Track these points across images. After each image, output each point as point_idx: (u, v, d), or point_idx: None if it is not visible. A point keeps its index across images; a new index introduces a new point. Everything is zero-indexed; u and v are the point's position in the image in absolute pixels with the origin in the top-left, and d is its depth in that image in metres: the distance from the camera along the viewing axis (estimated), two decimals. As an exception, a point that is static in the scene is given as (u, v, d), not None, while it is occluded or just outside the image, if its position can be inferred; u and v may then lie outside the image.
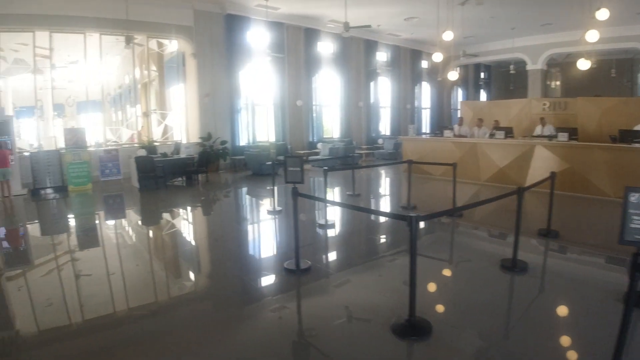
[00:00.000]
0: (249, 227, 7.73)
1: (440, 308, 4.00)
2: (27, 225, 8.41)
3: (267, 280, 4.98)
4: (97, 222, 8.42)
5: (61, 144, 12.95)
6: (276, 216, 7.88)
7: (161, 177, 10.94)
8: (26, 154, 12.11)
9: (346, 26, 12.87)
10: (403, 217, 3.47)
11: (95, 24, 13.27)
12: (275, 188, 8.87)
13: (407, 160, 8.43)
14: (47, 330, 3.76)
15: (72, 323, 3.91)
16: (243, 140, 15.29)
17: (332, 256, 5.90)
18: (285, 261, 5.15)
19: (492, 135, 11.28)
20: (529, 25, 18.05)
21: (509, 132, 11.21)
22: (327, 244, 6.38)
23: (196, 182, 12.06)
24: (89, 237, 7.30)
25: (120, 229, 7.90)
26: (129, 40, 12.73)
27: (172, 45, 15.75)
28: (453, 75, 13.65)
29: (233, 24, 14.77)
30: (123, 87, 19.61)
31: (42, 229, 8.19)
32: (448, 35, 12.06)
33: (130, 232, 7.70)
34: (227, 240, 6.91)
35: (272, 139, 16.34)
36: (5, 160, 10.21)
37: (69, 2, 12.57)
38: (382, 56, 20.38)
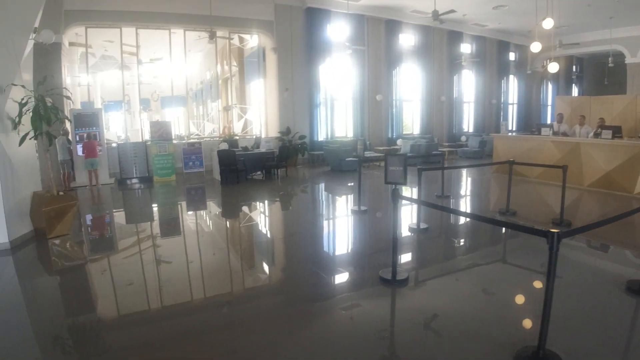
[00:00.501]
0: (330, 225, 7.29)
1: (567, 339, 3.21)
2: (113, 213, 8.70)
3: (353, 284, 4.60)
4: (179, 212, 8.58)
5: (147, 136, 13.31)
6: (361, 216, 7.31)
7: (242, 170, 10.81)
8: (114, 145, 12.53)
9: (435, 14, 12.07)
10: (541, 232, 2.78)
11: (179, 20, 13.44)
12: (355, 185, 8.37)
13: (507, 161, 7.50)
14: (126, 315, 3.91)
15: (150, 308, 4.02)
16: (321, 135, 14.92)
17: (429, 264, 5.21)
18: (380, 269, 4.61)
19: (597, 135, 9.95)
20: (629, 14, 16.05)
21: (617, 132, 9.80)
22: (422, 250, 5.71)
23: (275, 177, 11.83)
24: (171, 226, 7.49)
25: (201, 220, 7.92)
26: (212, 36, 12.78)
27: (253, 40, 15.72)
28: (553, 67, 12.33)
29: (313, 17, 14.44)
30: (204, 83, 20.03)
31: (127, 217, 8.51)
32: (548, 23, 10.88)
33: (210, 223, 7.73)
34: (307, 236, 6.56)
35: (351, 134, 15.85)
36: (94, 151, 10.60)
37: (155, -2, 12.84)
38: (466, 48, 19.15)
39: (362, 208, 7.49)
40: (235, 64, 17.11)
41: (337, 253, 5.80)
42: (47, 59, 10.43)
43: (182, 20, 13.47)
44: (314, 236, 6.59)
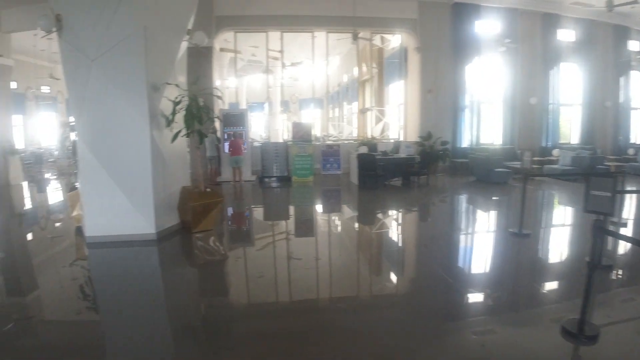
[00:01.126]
0: (475, 243, 6.35)
1: None
2: (252, 209, 9.04)
3: (490, 307, 3.94)
4: (314, 212, 8.60)
5: (286, 136, 13.50)
6: (521, 240, 5.98)
7: (381, 175, 10.24)
8: (257, 144, 12.88)
9: (610, 4, 10.33)
10: None
11: (323, 22, 13.40)
12: (510, 201, 7.25)
13: None
14: (254, 305, 4.13)
15: (278, 301, 4.19)
16: (465, 142, 13.74)
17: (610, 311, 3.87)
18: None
19: None
20: None
21: None
22: (603, 292, 4.25)
23: (415, 184, 11.04)
24: (305, 225, 7.52)
25: (334, 222, 7.78)
26: (355, 36, 12.47)
27: (395, 40, 15.14)
28: None
29: (460, 13, 13.36)
30: (341, 85, 20.01)
31: (264, 214, 8.86)
32: None
33: (343, 226, 7.54)
34: (444, 250, 5.80)
35: (498, 141, 14.39)
36: (239, 149, 10.97)
37: (299, 2, 12.89)
38: (635, 45, 16.30)
39: (524, 231, 6.07)
40: (375, 65, 16.69)
41: (474, 272, 5.10)
42: (200, 61, 10.99)
43: (326, 22, 13.41)
44: (453, 252, 5.84)
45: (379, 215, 8.16)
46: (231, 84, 16.71)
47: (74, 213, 6.85)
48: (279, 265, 5.18)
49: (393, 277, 4.99)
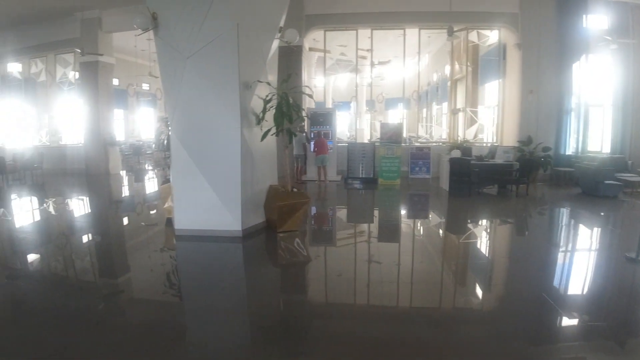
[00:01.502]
0: (581, 265, 5.49)
1: None
2: (336, 209, 8.91)
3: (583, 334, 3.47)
4: (399, 217, 8.30)
5: (371, 137, 13.17)
6: (636, 267, 4.99)
7: (474, 182, 9.54)
8: (342, 144, 12.67)
9: None
10: None
11: (415, 19, 12.88)
12: (608, 215, 6.51)
13: None
14: (332, 305, 4.09)
15: (355, 303, 4.11)
16: (570, 149, 12.45)
17: None
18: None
19: None
20: None
21: None
22: None
23: (512, 194, 10.15)
24: (388, 229, 7.32)
25: (420, 228, 7.45)
26: (450, 32, 11.78)
27: (492, 37, 14.16)
28: None
29: (567, 6, 12.08)
30: (431, 84, 19.23)
31: (348, 215, 8.70)
32: None
33: (430, 233, 7.18)
34: (542, 269, 5.14)
35: (606, 149, 12.91)
36: (325, 148, 10.83)
37: (391, -2, 12.48)
38: None
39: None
40: (469, 63, 15.76)
41: (573, 294, 4.41)
42: (289, 60, 10.96)
43: (418, 18, 12.88)
44: (550, 271, 5.16)
45: (469, 225, 7.55)
46: (318, 83, 16.66)
47: (166, 205, 7.12)
48: (359, 268, 5.10)
49: (479, 291, 4.59)
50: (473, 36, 14.80)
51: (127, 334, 3.44)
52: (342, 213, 8.73)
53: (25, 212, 9.26)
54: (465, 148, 11.08)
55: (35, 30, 14.41)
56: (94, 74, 13.48)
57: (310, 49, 14.83)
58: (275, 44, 6.72)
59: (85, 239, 7.04)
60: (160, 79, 6.59)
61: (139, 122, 21.32)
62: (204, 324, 3.62)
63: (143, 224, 7.96)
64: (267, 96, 6.00)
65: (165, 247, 6.10)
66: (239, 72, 5.76)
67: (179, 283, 4.84)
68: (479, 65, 15.49)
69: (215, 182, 5.96)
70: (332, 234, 6.99)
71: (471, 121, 15.09)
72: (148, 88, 20.66)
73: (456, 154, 10.19)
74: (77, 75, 14.35)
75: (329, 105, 17.01)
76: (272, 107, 5.99)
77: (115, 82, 15.82)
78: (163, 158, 16.65)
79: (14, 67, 16.03)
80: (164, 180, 7.60)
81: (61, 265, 5.53)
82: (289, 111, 5.98)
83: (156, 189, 11.54)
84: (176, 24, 5.81)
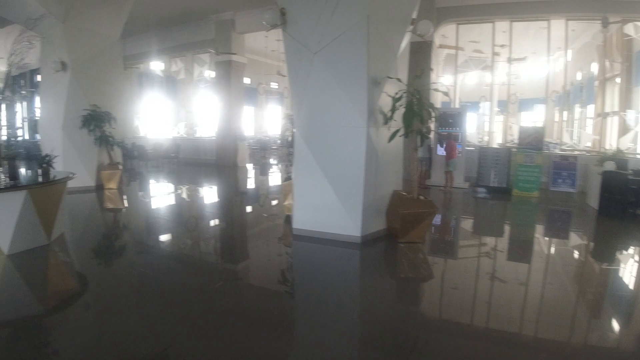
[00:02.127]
0: None
1: None
2: (461, 219, 8.23)
3: None
4: (532, 234, 7.18)
5: (502, 140, 12.02)
6: None
7: (631, 202, 7.98)
8: (471, 148, 11.73)
9: None
10: None
11: (564, 8, 11.40)
12: None
13: None
14: (446, 322, 3.76)
15: (472, 324, 3.71)
16: None
17: None
18: None
19: None
20: None
21: None
22: None
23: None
24: (519, 247, 6.37)
25: (556, 250, 6.26)
26: (605, 23, 10.25)
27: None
28: None
29: None
30: (574, 84, 17.16)
31: (474, 226, 7.85)
32: None
33: (567, 255, 6.04)
34: None
35: None
36: (453, 152, 10.05)
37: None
38: None
39: None
40: (622, 61, 13.67)
41: None
42: (418, 56, 10.35)
43: (567, 8, 11.39)
44: None
45: (618, 252, 6.21)
46: (446, 82, 15.79)
47: (286, 202, 7.12)
48: (480, 285, 4.61)
49: (615, 326, 3.77)
50: (629, 29, 12.76)
51: (237, 316, 3.70)
52: (467, 224, 7.95)
53: (161, 195, 10.15)
54: (619, 160, 9.34)
55: (175, 33, 15.77)
56: (227, 73, 14.25)
57: (440, 46, 14.07)
58: (407, 37, 6.23)
59: (212, 223, 7.65)
60: (287, 76, 6.52)
61: (267, 119, 22.31)
62: (311, 324, 3.62)
63: (265, 215, 8.17)
64: (396, 94, 5.51)
65: (282, 244, 6.07)
66: (368, 67, 5.40)
67: (292, 280, 4.81)
68: (633, 63, 13.33)
69: (337, 183, 5.68)
70: (455, 247, 6.34)
71: (624, 127, 13.02)
72: (276, 86, 21.50)
73: (610, 166, 8.67)
74: (212, 73, 15.31)
75: (457, 105, 16.04)
76: (401, 105, 5.51)
77: (247, 80, 16.61)
78: (287, 154, 17.19)
79: (157, 66, 17.69)
80: (286, 177, 7.63)
81: (188, 246, 6.15)
82: (421, 111, 5.45)
83: (279, 183, 11.82)
84: (304, 19, 5.68)
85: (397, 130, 5.56)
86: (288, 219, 6.73)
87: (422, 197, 5.93)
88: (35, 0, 8.64)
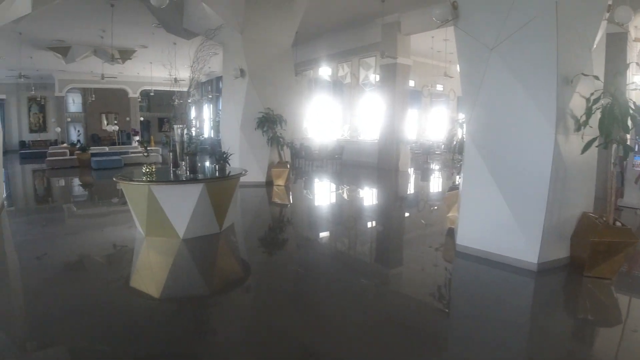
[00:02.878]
0: None
1: None
2: None
3: None
4: None
5: None
6: None
7: None
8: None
9: None
10: None
11: None
12: None
13: None
14: None
15: None
16: None
17: None
18: None
19: None
20: None
21: None
22: None
23: None
24: None
25: None
26: None
27: None
28: None
29: None
30: None
31: None
32: None
33: None
34: None
35: None
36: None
37: None
38: None
39: None
40: None
41: None
42: (611, 49, 8.68)
43: None
44: None
45: None
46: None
47: (450, 214, 6.62)
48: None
49: None
50: None
51: (387, 324, 3.64)
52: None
53: (323, 194, 10.52)
54: None
55: (342, 38, 16.22)
56: (392, 76, 14.13)
57: (636, 39, 11.82)
58: (603, 27, 5.14)
59: (369, 225, 7.67)
60: (459, 76, 5.99)
61: (430, 122, 21.66)
62: (466, 349, 3.29)
63: (423, 222, 7.81)
64: (592, 94, 4.57)
65: (442, 257, 5.61)
66: (557, 63, 4.55)
67: (449, 298, 4.44)
68: None
69: (513, 199, 4.91)
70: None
71: None
72: (442, 89, 20.75)
73: None
74: (377, 77, 15.39)
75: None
76: (598, 109, 4.56)
77: (411, 83, 16.33)
78: (451, 160, 16.40)
79: (324, 71, 18.47)
80: (451, 186, 7.12)
81: (345, 245, 6.33)
82: (624, 116, 4.42)
83: (440, 190, 11.33)
84: (479, 12, 5.11)
85: (594, 139, 4.57)
86: (451, 233, 6.22)
87: (618, 223, 4.77)
88: (216, 13, 9.63)
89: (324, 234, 6.98)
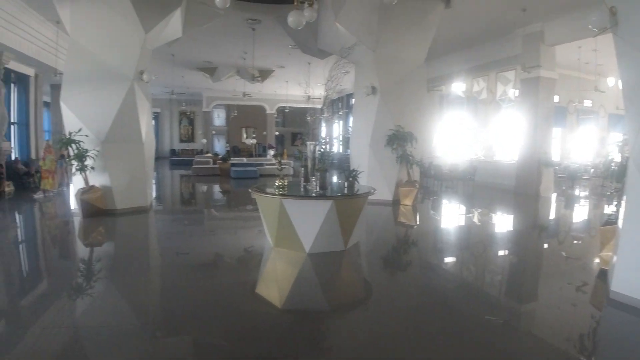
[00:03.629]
0: None
1: None
2: None
3: None
4: None
5: None
6: None
7: None
8: None
9: None
10: None
11: None
12: None
13: None
14: None
15: None
16: None
17: None
18: None
19: None
20: None
21: None
22: None
23: None
24: None
25: None
26: None
27: None
28: None
29: None
30: None
31: None
32: None
33: None
34: None
35: None
36: None
37: None
38: None
39: None
40: None
41: None
42: None
43: None
44: None
45: None
46: None
47: (604, 252, 5.61)
48: None
49: None
50: None
51: None
52: None
53: (452, 216, 9.98)
54: None
55: (477, 52, 15.30)
56: (534, 90, 12.99)
57: None
58: None
59: (500, 253, 7.10)
60: (620, 91, 5.17)
61: (577, 143, 19.44)
62: None
63: (563, 254, 6.90)
64: None
65: (588, 301, 4.82)
66: None
67: (593, 350, 3.67)
68: None
69: None
70: None
71: None
72: (590, 105, 18.52)
73: None
74: (516, 92, 14.27)
75: None
76: None
77: (555, 99, 14.85)
78: (600, 186, 14.55)
79: (458, 87, 17.62)
80: (606, 221, 6.01)
81: (472, 273, 5.84)
82: None
83: (586, 220, 10.04)
84: None
85: None
86: (603, 275, 5.29)
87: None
88: (349, 32, 9.82)
89: (449, 259, 6.58)
